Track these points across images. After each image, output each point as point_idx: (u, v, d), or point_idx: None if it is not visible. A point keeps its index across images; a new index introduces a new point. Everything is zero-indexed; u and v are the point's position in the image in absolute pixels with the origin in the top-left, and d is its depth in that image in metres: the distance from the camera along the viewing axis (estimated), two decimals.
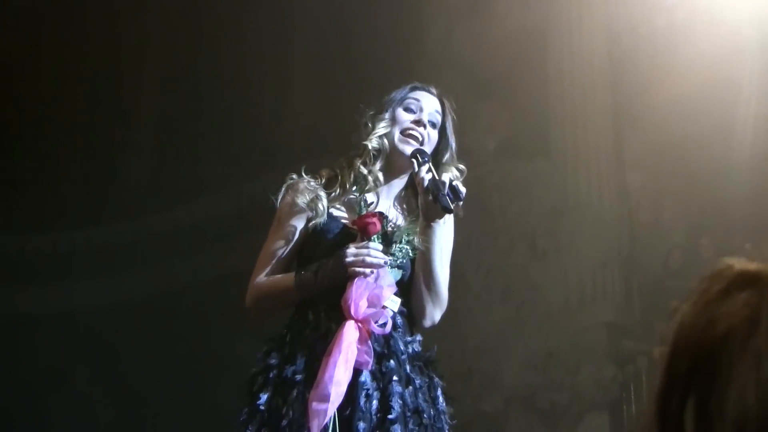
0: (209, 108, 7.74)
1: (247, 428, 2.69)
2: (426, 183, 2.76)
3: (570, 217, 6.31)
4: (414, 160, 2.86)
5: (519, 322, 6.29)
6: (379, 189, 2.97)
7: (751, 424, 0.79)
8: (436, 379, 2.86)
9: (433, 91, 3.13)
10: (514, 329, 6.28)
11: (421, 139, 2.98)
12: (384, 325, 2.70)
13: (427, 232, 2.84)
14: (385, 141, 2.98)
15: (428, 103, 3.06)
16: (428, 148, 2.99)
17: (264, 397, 2.70)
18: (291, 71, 7.73)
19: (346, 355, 2.61)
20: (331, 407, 2.57)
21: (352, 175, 2.93)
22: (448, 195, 2.73)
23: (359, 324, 2.67)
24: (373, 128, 2.97)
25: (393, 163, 3.00)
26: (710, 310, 0.86)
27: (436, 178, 2.77)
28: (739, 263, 0.89)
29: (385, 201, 2.97)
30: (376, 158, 2.96)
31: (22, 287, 8.03)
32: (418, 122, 3.00)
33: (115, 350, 7.36)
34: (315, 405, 2.58)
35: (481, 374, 6.18)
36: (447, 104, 3.12)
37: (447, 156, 3.02)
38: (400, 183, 3.04)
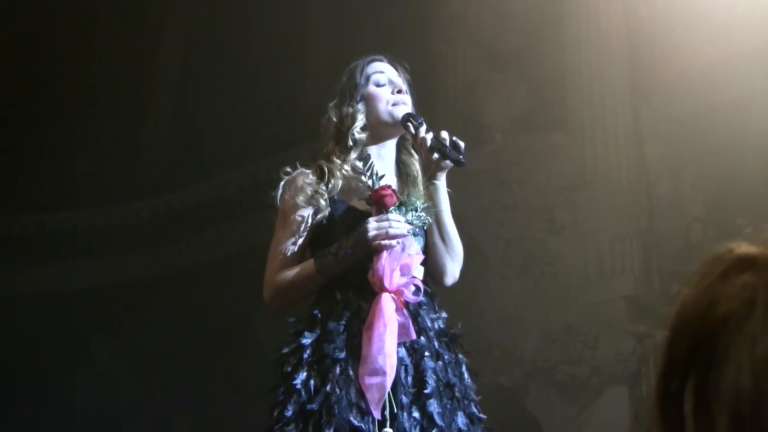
0: (225, 85, 7.74)
1: (285, 408, 2.68)
2: (429, 143, 2.78)
3: (588, 191, 6.29)
4: (409, 124, 2.86)
5: (537, 295, 6.29)
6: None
7: (745, 404, 0.81)
8: (461, 356, 2.87)
9: (382, 57, 3.12)
10: (533, 303, 6.28)
11: (404, 102, 2.99)
12: (418, 292, 2.71)
13: (431, 190, 2.86)
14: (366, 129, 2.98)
15: (390, 71, 3.07)
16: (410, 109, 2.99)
17: (299, 377, 2.69)
18: (305, 48, 7.72)
19: (391, 327, 2.62)
20: (389, 380, 2.57)
21: (340, 166, 2.91)
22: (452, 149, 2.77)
23: (393, 295, 2.67)
24: (352, 122, 2.96)
25: (381, 137, 3.00)
26: (710, 293, 0.87)
27: (437, 136, 2.79)
28: (740, 247, 0.90)
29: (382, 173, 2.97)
30: (351, 148, 2.95)
31: (43, 265, 8.10)
32: (399, 90, 3.01)
33: (135, 326, 7.41)
34: (368, 379, 2.57)
35: (500, 348, 6.19)
36: (398, 66, 3.12)
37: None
38: (389, 153, 3.04)
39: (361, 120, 2.97)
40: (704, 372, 0.84)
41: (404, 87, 3.05)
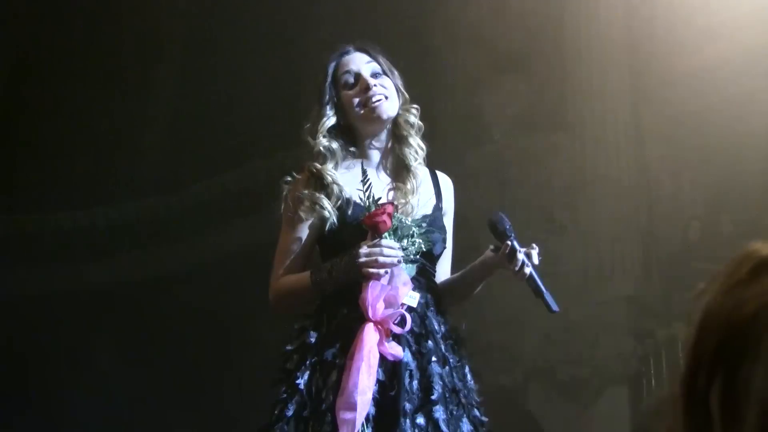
0: (225, 85, 7.73)
1: (287, 406, 2.67)
2: (526, 277, 2.78)
3: (589, 191, 6.28)
4: (507, 252, 2.82)
5: None
6: (364, 163, 2.92)
7: None
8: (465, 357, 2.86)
9: (349, 47, 3.06)
10: (533, 303, 6.24)
11: (379, 94, 2.92)
12: (404, 323, 2.67)
13: (483, 273, 2.88)
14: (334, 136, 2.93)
15: (357, 62, 2.99)
16: (391, 94, 2.92)
17: (303, 376, 2.67)
18: (304, 48, 7.71)
19: (368, 361, 2.58)
20: (359, 417, 2.54)
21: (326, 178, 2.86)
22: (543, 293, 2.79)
23: (378, 326, 2.64)
24: (320, 128, 2.91)
25: (368, 134, 2.95)
26: (738, 292, 0.88)
27: (536, 277, 2.80)
28: (766, 246, 0.91)
29: (374, 172, 2.92)
30: (326, 156, 2.90)
31: (42, 265, 8.09)
32: (366, 88, 2.92)
33: (136, 326, 7.41)
34: (343, 414, 2.55)
35: (500, 348, 6.18)
36: (369, 49, 3.05)
37: (400, 97, 2.96)
38: (382, 144, 2.99)
39: (328, 124, 2.90)
40: (733, 368, 0.85)
41: (378, 71, 2.96)
